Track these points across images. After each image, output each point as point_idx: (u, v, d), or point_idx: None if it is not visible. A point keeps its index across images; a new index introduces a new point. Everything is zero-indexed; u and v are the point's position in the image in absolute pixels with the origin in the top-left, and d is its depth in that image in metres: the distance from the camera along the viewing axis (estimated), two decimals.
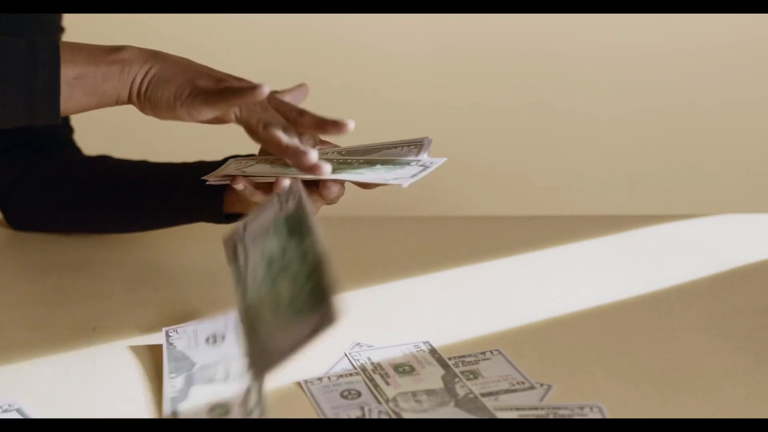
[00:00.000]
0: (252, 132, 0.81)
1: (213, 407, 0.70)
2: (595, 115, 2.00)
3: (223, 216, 0.94)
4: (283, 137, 0.78)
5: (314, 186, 0.80)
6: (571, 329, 0.84)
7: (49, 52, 0.77)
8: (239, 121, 0.81)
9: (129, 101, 0.80)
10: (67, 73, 0.77)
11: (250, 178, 0.81)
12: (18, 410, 0.70)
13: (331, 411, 0.70)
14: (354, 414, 0.69)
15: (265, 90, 0.76)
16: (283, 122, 0.80)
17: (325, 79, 1.90)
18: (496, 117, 1.94)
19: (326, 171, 0.76)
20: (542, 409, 0.70)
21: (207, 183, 0.84)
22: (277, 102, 0.81)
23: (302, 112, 0.79)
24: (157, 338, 0.83)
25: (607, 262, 1.01)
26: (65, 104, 0.78)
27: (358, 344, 0.80)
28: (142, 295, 0.93)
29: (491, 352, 0.78)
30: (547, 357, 0.78)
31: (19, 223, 1.10)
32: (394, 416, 0.69)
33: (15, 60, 0.77)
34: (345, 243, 1.04)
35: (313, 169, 0.76)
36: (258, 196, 0.82)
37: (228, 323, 0.73)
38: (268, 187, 0.81)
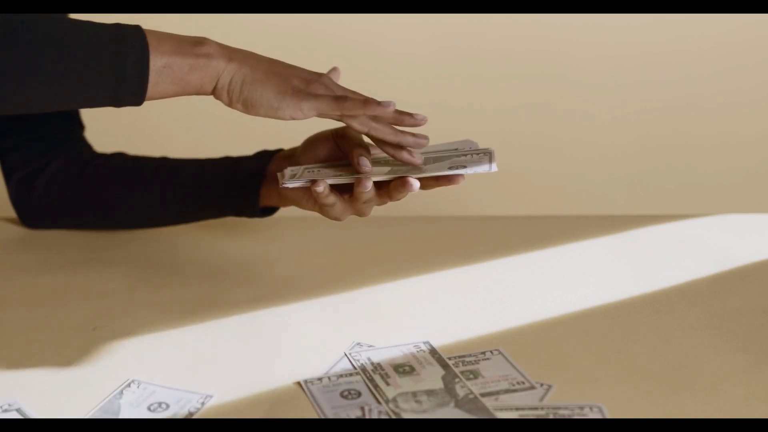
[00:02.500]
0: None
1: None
2: (595, 115, 2.00)
3: (259, 210, 0.95)
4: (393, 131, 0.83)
5: (346, 192, 0.84)
6: (571, 329, 0.84)
7: (136, 39, 0.79)
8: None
9: (210, 93, 0.82)
10: (156, 61, 0.79)
11: (327, 181, 0.84)
12: (18, 410, 0.70)
13: (331, 411, 0.70)
14: (354, 414, 0.69)
15: (393, 106, 0.81)
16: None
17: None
18: (496, 117, 1.94)
19: (418, 161, 0.82)
20: (542, 409, 0.70)
21: (284, 187, 0.85)
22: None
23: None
24: (157, 338, 0.83)
25: (607, 262, 1.01)
26: (151, 91, 0.80)
27: (359, 344, 0.80)
28: (142, 295, 0.93)
29: (491, 352, 0.78)
30: (547, 357, 0.78)
31: (35, 219, 1.09)
32: (393, 417, 0.69)
33: (104, 44, 0.78)
34: (345, 243, 1.04)
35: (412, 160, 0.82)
36: (331, 198, 0.84)
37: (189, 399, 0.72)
38: (340, 190, 0.84)
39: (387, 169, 0.84)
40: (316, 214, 0.89)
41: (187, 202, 1.00)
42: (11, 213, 1.16)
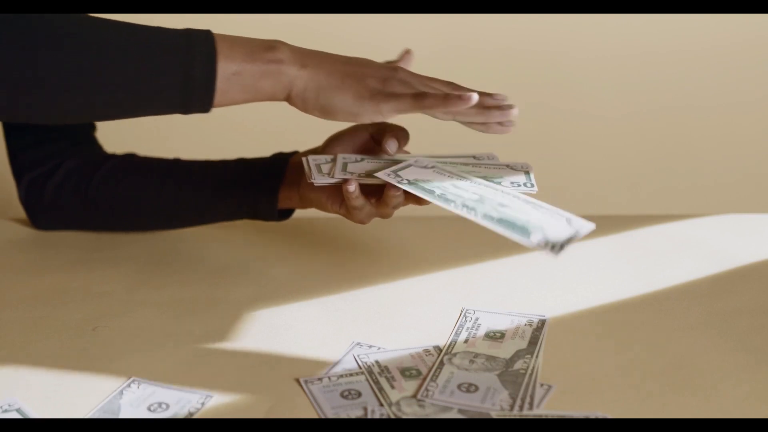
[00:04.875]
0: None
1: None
2: (595, 115, 2.00)
3: (276, 213, 0.95)
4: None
5: (373, 195, 0.85)
6: (571, 329, 0.84)
7: (205, 44, 0.78)
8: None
9: (284, 100, 0.82)
10: (226, 68, 0.78)
11: (360, 182, 0.84)
12: (18, 410, 0.70)
13: (331, 411, 0.70)
14: (354, 414, 0.69)
15: (475, 98, 0.80)
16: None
17: None
18: None
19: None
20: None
21: (314, 184, 0.85)
22: None
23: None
24: (157, 338, 0.83)
25: (607, 262, 1.01)
26: (220, 98, 0.79)
27: (359, 344, 0.80)
28: (142, 295, 0.93)
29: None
30: (547, 357, 0.78)
31: (46, 220, 1.09)
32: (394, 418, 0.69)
33: (172, 50, 0.77)
34: (345, 243, 1.04)
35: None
36: (361, 200, 0.84)
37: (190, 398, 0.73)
38: (366, 193, 0.85)
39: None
40: (317, 215, 0.89)
41: (202, 205, 1.00)
42: (11, 213, 1.16)
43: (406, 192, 0.82)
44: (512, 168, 0.87)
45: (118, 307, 0.90)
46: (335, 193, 0.89)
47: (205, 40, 0.78)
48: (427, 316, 0.87)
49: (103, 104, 0.78)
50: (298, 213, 1.01)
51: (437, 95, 0.79)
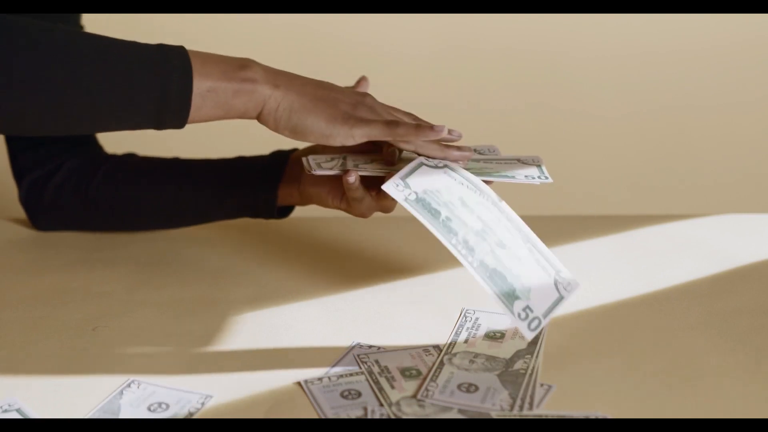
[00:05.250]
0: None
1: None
2: (595, 115, 2.00)
3: (276, 211, 0.95)
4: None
5: (374, 188, 0.84)
6: (571, 329, 0.84)
7: (180, 61, 0.78)
8: None
9: (255, 118, 0.82)
10: (200, 85, 0.79)
11: (360, 173, 0.84)
12: (18, 410, 0.70)
13: (331, 411, 0.70)
14: (354, 414, 0.69)
15: (445, 130, 0.81)
16: None
17: (325, 79, 1.90)
18: (496, 117, 1.94)
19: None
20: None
21: (313, 173, 0.86)
22: None
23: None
24: (157, 338, 0.83)
25: (607, 262, 1.01)
26: (193, 114, 0.80)
27: (359, 344, 0.80)
28: (142, 295, 0.93)
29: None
30: (547, 357, 0.78)
31: (46, 221, 1.09)
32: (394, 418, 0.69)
33: (147, 66, 0.77)
34: (346, 243, 1.04)
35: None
36: (361, 192, 0.85)
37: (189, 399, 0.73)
38: (367, 186, 0.85)
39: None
40: (317, 215, 0.89)
41: (202, 203, 1.00)
42: (11, 213, 1.16)
43: None
44: (523, 162, 0.87)
45: (118, 307, 0.90)
46: (335, 188, 0.89)
47: (180, 56, 0.79)
48: (427, 316, 0.87)
49: (76, 118, 0.78)
50: (298, 213, 1.01)
51: (409, 125, 0.81)
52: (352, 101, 0.83)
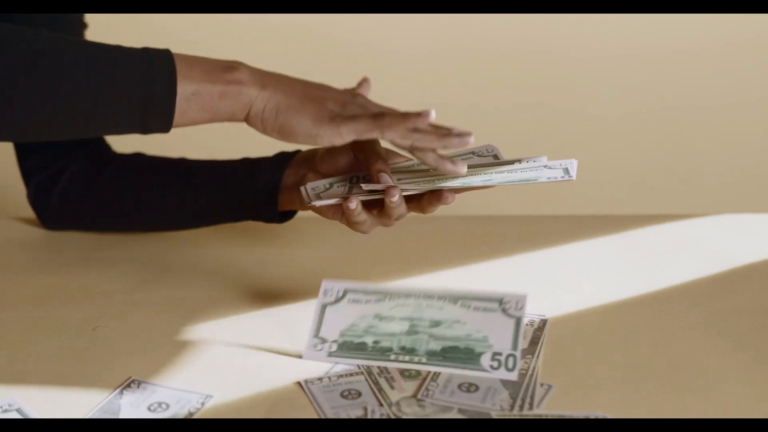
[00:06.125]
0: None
1: None
2: (595, 115, 2.00)
3: (277, 215, 0.95)
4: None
5: (375, 206, 0.83)
6: (571, 329, 0.84)
7: (165, 64, 0.78)
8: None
9: (243, 121, 0.81)
10: (185, 88, 0.78)
11: (360, 198, 0.82)
12: (18, 410, 0.70)
13: (331, 411, 0.70)
14: (354, 414, 0.69)
15: (433, 114, 0.78)
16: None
17: (325, 79, 1.90)
18: (496, 117, 1.94)
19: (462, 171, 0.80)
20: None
21: (313, 204, 0.85)
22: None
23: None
24: (157, 338, 0.83)
25: (607, 262, 1.01)
26: (179, 118, 0.79)
27: None
28: (142, 295, 0.93)
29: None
30: (547, 357, 0.78)
31: (56, 221, 1.09)
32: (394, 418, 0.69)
33: (131, 70, 0.77)
34: (346, 243, 1.04)
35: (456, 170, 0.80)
36: (363, 216, 0.83)
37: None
38: (368, 204, 0.84)
39: (420, 179, 0.82)
40: (317, 215, 0.89)
41: (204, 208, 0.99)
42: (10, 212, 1.16)
43: (407, 199, 0.82)
44: (550, 167, 0.84)
45: (118, 307, 0.90)
46: (336, 206, 0.88)
47: (165, 59, 0.78)
48: None
49: (59, 124, 0.78)
50: (299, 213, 1.01)
51: (395, 113, 0.79)
52: (341, 100, 0.82)
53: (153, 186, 1.01)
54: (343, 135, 0.79)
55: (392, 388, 0.73)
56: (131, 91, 0.77)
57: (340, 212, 0.86)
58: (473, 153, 0.89)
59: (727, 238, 1.06)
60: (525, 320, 0.76)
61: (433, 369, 0.74)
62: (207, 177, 0.99)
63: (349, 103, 0.81)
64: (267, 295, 0.92)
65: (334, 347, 0.78)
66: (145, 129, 0.79)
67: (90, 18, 1.08)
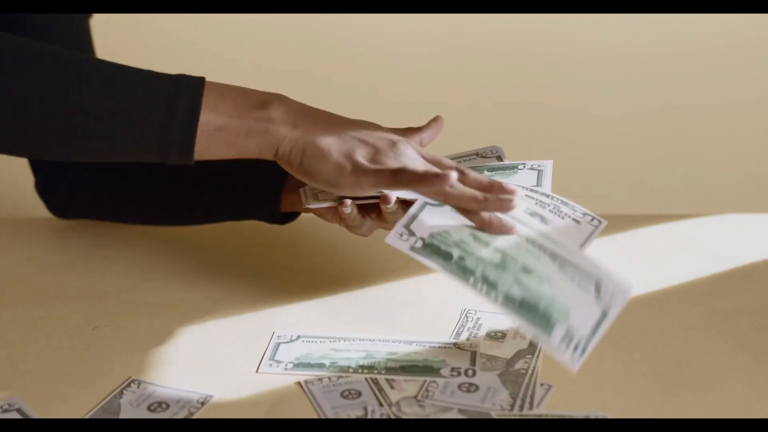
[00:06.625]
0: None
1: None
2: (595, 115, 2.00)
3: (279, 216, 0.94)
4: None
5: (373, 211, 0.83)
6: None
7: (192, 96, 0.75)
8: None
9: (273, 159, 0.80)
10: (210, 122, 0.76)
11: (354, 200, 0.81)
12: (18, 410, 0.70)
13: (331, 411, 0.70)
14: (354, 414, 0.69)
15: (453, 177, 0.74)
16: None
17: (325, 79, 1.90)
18: (496, 117, 1.94)
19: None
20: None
21: (308, 207, 0.84)
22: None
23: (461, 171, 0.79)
24: (157, 338, 0.83)
25: (607, 262, 1.00)
26: (203, 152, 0.77)
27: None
28: (142, 295, 0.93)
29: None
30: (547, 357, 0.78)
31: (63, 210, 1.09)
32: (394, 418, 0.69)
33: (156, 98, 0.75)
34: (346, 243, 1.04)
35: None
36: (359, 219, 0.83)
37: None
38: (364, 211, 0.83)
39: None
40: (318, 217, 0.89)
41: (208, 205, 0.99)
42: (11, 212, 1.16)
43: (403, 204, 0.79)
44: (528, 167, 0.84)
45: (118, 307, 0.90)
46: (335, 209, 0.87)
47: (193, 89, 0.76)
48: (427, 316, 0.87)
49: (78, 144, 0.76)
50: (302, 215, 1.01)
51: (415, 172, 0.74)
52: (375, 149, 0.78)
53: (159, 179, 1.01)
54: (363, 187, 0.77)
55: (392, 388, 0.73)
56: (151, 121, 0.75)
57: (339, 215, 0.85)
58: (477, 154, 0.89)
59: (727, 238, 1.06)
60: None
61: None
62: (212, 174, 0.99)
63: (383, 154, 0.77)
64: (267, 296, 0.92)
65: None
66: (166, 159, 0.77)
67: (90, 18, 1.08)
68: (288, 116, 0.78)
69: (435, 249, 0.71)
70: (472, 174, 0.78)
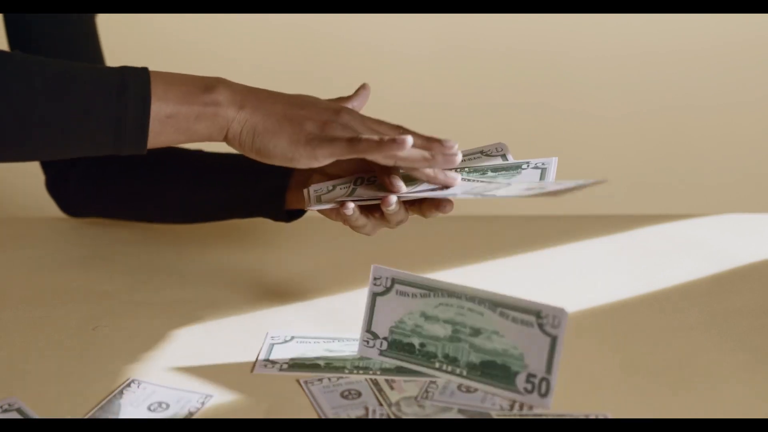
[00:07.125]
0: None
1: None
2: (595, 115, 2.00)
3: (284, 213, 0.95)
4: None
5: (376, 210, 0.83)
6: (571, 329, 0.83)
7: (140, 87, 0.77)
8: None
9: (223, 141, 0.81)
10: (159, 110, 0.77)
11: (356, 201, 0.81)
12: (18, 410, 0.70)
13: (331, 411, 0.70)
14: (354, 414, 0.69)
15: (410, 141, 0.76)
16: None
17: (325, 79, 1.90)
18: (496, 117, 1.94)
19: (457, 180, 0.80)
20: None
21: (309, 210, 0.85)
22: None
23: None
24: (157, 338, 0.83)
25: (607, 262, 1.01)
26: (154, 139, 0.78)
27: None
28: (142, 295, 0.93)
29: None
30: None
31: (74, 208, 1.09)
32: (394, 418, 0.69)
33: (105, 91, 0.76)
34: (345, 243, 1.04)
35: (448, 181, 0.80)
36: (362, 220, 0.83)
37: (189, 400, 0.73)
38: (369, 207, 0.83)
39: (419, 185, 0.81)
40: (317, 214, 0.88)
41: (213, 203, 0.99)
42: (10, 212, 1.16)
43: (406, 204, 0.81)
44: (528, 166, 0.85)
45: (118, 307, 0.90)
46: (338, 209, 0.87)
47: (140, 80, 0.77)
48: None
49: (35, 145, 0.77)
50: (307, 213, 1.01)
51: (371, 140, 0.76)
52: (322, 119, 0.79)
53: (165, 177, 1.01)
54: (319, 158, 0.78)
55: (392, 388, 0.73)
56: (104, 114, 0.76)
57: (342, 217, 0.85)
58: (482, 152, 0.88)
59: (727, 238, 1.06)
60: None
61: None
62: (218, 172, 0.99)
63: (330, 123, 0.79)
64: (267, 296, 0.92)
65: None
66: (119, 150, 0.78)
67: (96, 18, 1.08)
68: (234, 98, 0.80)
69: (398, 344, 0.76)
70: (410, 131, 0.80)
